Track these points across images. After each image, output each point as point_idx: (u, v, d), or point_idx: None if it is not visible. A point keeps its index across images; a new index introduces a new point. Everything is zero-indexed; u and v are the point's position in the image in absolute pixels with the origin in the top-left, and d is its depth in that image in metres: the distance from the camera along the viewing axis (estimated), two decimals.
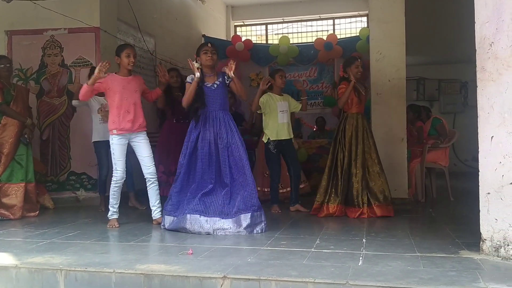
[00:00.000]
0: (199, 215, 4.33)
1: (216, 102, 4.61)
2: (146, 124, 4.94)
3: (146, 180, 4.86)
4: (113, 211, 4.82)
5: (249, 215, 4.33)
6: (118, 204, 4.84)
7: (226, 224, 4.31)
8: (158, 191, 4.90)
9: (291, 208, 5.60)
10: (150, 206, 4.91)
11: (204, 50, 4.64)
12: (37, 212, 5.68)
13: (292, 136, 5.75)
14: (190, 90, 4.57)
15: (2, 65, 5.57)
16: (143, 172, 4.86)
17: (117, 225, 4.74)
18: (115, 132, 4.73)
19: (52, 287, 3.26)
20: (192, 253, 3.54)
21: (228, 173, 4.45)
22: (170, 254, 3.61)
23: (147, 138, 4.88)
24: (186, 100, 4.60)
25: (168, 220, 4.54)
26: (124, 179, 4.82)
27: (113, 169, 4.77)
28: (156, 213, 4.86)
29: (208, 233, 4.29)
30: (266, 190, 6.25)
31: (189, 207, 4.39)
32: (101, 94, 5.80)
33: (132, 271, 3.14)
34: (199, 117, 4.58)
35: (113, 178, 4.76)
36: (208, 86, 4.61)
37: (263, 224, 4.40)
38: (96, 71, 4.56)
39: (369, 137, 5.33)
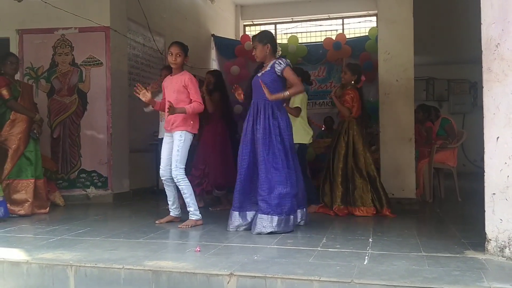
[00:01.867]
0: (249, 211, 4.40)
1: (258, 92, 4.49)
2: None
3: None
4: (169, 208, 4.91)
5: (276, 218, 4.24)
6: (171, 201, 4.84)
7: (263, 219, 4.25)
8: (186, 194, 4.71)
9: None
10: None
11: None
12: (48, 208, 5.73)
13: (298, 141, 5.73)
14: None
15: (9, 62, 5.62)
16: None
17: (161, 221, 4.81)
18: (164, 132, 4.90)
19: (62, 283, 3.32)
20: (199, 251, 3.59)
21: (262, 167, 4.31)
22: (178, 251, 3.67)
23: (179, 139, 4.68)
24: None
25: (234, 217, 4.43)
26: (167, 177, 4.75)
27: None
28: (189, 214, 4.79)
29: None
30: None
31: (244, 204, 4.42)
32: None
33: (141, 267, 3.19)
34: (249, 106, 4.57)
35: None
36: (258, 75, 4.55)
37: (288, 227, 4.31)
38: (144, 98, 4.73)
39: (357, 142, 5.38)
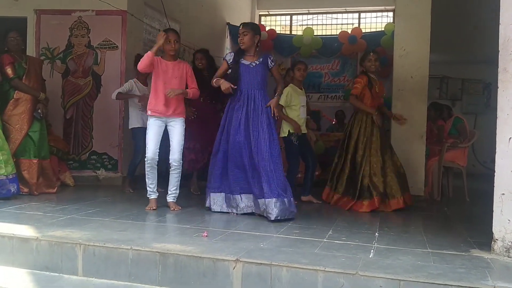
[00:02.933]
0: (236, 194, 4.55)
1: (251, 81, 4.65)
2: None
3: (170, 165, 4.86)
4: (149, 191, 4.90)
5: (272, 200, 4.34)
6: (154, 184, 4.88)
7: (254, 203, 4.49)
8: (179, 178, 4.90)
9: (302, 198, 5.61)
10: (168, 190, 4.95)
11: (238, 33, 4.76)
12: (56, 188, 5.72)
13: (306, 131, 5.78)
14: (218, 71, 4.79)
15: (12, 38, 5.50)
16: (169, 157, 4.87)
17: (154, 207, 4.81)
18: (150, 112, 4.84)
19: (70, 261, 3.38)
20: (206, 236, 3.64)
21: (255, 155, 4.49)
22: (185, 235, 3.71)
23: (183, 125, 4.88)
24: (214, 78, 4.79)
25: (213, 199, 4.70)
26: (156, 159, 4.81)
27: (146, 148, 4.84)
28: (169, 197, 4.90)
29: (241, 213, 4.50)
30: None
31: (227, 187, 4.59)
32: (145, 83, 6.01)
33: (149, 249, 3.24)
34: (236, 94, 4.66)
35: (145, 158, 4.83)
36: (246, 64, 4.67)
37: (287, 211, 4.40)
38: (160, 39, 4.71)
39: (381, 134, 5.35)
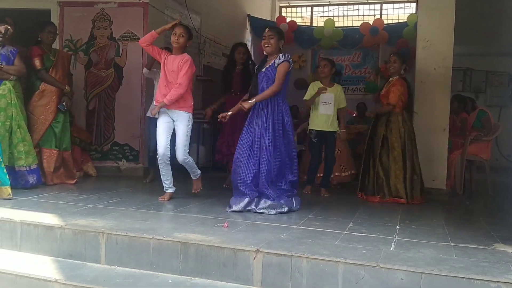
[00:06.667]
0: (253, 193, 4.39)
1: (263, 85, 4.52)
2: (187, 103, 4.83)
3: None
4: (165, 186, 4.87)
5: (283, 200, 4.41)
6: (169, 180, 4.84)
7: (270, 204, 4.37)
8: (193, 164, 4.88)
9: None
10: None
11: (263, 36, 4.60)
12: (75, 180, 5.77)
13: (335, 129, 5.63)
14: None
15: (47, 31, 5.60)
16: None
17: (167, 199, 4.79)
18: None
19: (93, 249, 3.43)
20: (227, 226, 3.66)
21: (265, 156, 4.41)
22: (206, 225, 3.73)
23: (188, 122, 4.77)
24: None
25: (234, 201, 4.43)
26: (168, 155, 4.76)
27: (157, 145, 4.82)
28: (192, 175, 4.99)
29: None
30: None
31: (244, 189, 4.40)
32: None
33: (170, 238, 3.27)
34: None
35: (157, 155, 4.80)
36: (262, 70, 4.59)
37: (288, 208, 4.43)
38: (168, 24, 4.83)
39: (405, 135, 5.36)
